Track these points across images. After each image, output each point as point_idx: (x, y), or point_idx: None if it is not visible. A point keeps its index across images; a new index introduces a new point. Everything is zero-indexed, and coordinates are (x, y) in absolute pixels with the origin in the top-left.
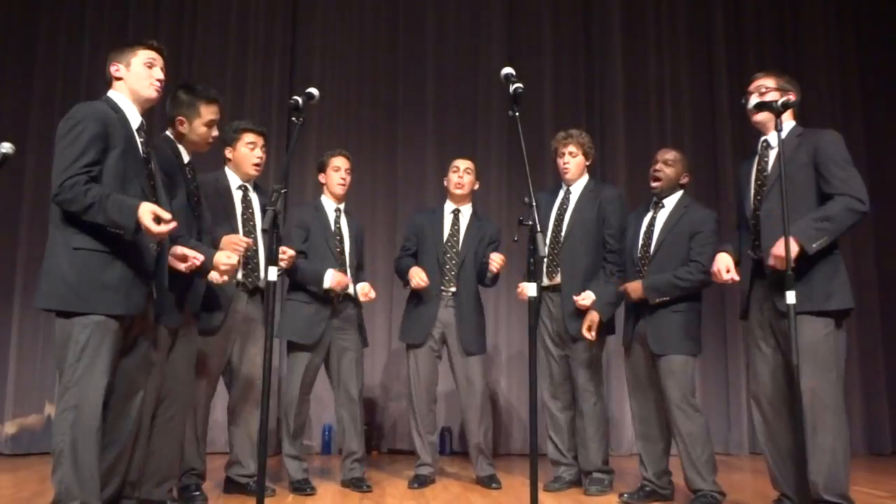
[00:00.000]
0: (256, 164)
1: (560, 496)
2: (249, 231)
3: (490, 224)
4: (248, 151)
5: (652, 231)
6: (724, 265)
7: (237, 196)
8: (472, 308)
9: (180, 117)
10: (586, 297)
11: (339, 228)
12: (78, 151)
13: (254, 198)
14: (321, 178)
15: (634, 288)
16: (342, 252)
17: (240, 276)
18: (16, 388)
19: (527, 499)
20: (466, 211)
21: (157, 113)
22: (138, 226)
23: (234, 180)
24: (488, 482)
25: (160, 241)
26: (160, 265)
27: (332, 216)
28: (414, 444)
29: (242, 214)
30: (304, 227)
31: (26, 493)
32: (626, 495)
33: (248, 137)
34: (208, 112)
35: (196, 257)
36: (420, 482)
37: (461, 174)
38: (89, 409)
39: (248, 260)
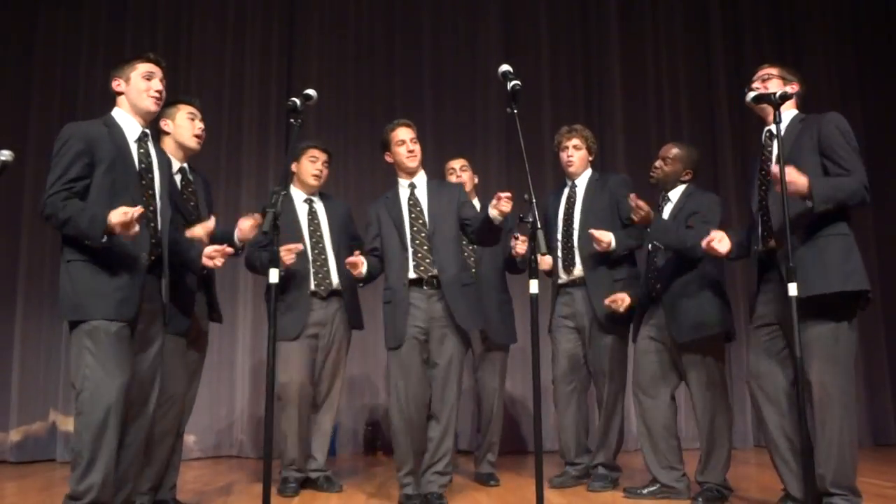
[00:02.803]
0: (315, 175)
1: (565, 493)
2: (317, 241)
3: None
4: (310, 164)
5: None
6: (718, 235)
7: (303, 210)
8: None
9: (164, 119)
10: (603, 235)
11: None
12: (61, 170)
13: (319, 208)
14: (387, 157)
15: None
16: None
17: (312, 285)
18: (20, 396)
19: (532, 496)
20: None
21: None
22: (104, 235)
23: (298, 195)
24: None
25: (133, 238)
26: (163, 272)
27: (404, 195)
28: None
29: (309, 226)
30: (374, 221)
31: (31, 500)
32: (630, 490)
33: (312, 153)
34: (186, 108)
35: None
36: None
37: (458, 174)
38: (101, 411)
39: (318, 269)
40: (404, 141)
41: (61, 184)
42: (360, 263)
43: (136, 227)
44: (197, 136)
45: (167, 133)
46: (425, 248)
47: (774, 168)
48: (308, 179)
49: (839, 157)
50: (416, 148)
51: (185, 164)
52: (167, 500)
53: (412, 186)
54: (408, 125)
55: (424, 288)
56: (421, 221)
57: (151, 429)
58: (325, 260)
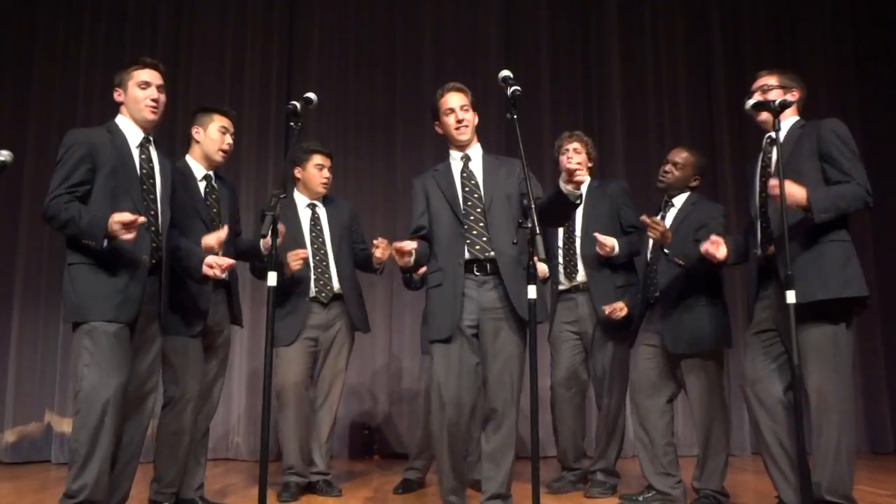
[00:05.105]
0: (324, 184)
1: (562, 498)
2: (319, 247)
3: None
4: (317, 172)
5: None
6: (716, 241)
7: (305, 215)
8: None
9: (196, 126)
10: (607, 240)
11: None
12: (64, 174)
13: (322, 214)
14: (437, 127)
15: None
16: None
17: (313, 291)
18: (15, 396)
19: (528, 500)
20: None
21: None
22: (107, 237)
23: (301, 200)
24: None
25: (135, 238)
26: (164, 276)
27: (456, 168)
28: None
29: (311, 231)
30: (421, 196)
31: (26, 501)
32: (626, 497)
33: (317, 159)
34: (220, 120)
35: (221, 264)
36: (405, 487)
37: None
38: (98, 410)
39: (319, 275)
40: (453, 110)
41: (64, 188)
42: (410, 252)
43: (134, 233)
44: (223, 151)
45: (197, 142)
46: (481, 224)
47: (773, 182)
48: (317, 188)
49: (838, 162)
50: (468, 117)
51: (211, 172)
52: (194, 499)
53: (466, 159)
54: (459, 90)
55: (477, 274)
56: (476, 196)
57: (163, 430)
58: (327, 266)
